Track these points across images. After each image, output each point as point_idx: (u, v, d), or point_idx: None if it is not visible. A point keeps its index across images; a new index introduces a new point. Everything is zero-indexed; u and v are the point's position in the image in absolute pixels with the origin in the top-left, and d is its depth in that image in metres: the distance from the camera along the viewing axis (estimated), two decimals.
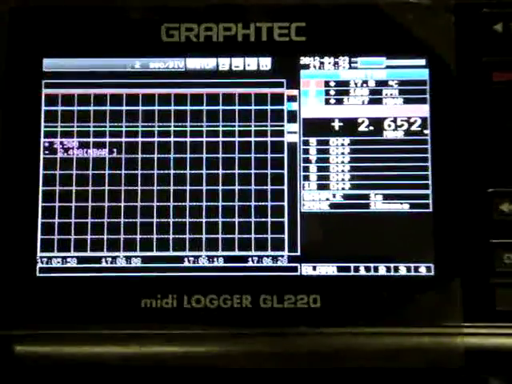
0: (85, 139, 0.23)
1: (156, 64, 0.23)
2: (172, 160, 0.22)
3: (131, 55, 0.23)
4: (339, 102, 0.23)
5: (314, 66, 0.23)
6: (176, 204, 0.22)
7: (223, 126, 0.22)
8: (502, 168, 0.22)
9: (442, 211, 0.22)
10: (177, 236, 0.22)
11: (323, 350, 0.21)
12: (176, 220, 0.22)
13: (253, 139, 0.22)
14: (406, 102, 0.22)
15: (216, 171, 0.22)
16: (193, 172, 0.22)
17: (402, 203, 0.22)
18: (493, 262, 0.21)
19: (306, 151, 0.22)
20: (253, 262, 0.22)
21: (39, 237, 0.22)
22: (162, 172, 0.22)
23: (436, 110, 0.22)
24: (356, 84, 0.23)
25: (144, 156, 0.22)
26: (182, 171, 0.22)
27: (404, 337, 0.21)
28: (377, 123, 0.22)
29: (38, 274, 0.22)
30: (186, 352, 0.22)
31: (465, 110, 0.22)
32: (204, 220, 0.22)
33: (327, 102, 0.23)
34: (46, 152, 0.22)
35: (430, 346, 0.21)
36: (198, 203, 0.22)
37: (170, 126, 0.22)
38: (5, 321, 0.22)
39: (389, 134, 0.22)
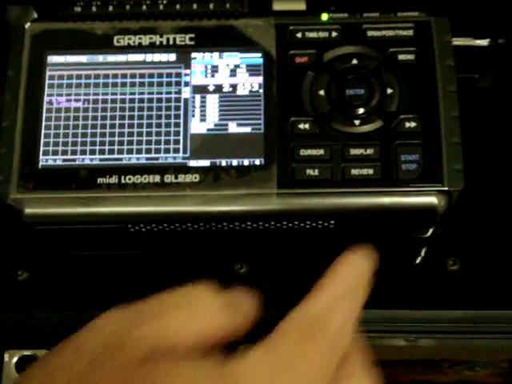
0: (69, 97, 0.39)
1: (111, 58, 0.40)
2: (118, 108, 0.39)
3: (97, 53, 0.40)
4: (212, 75, 0.39)
5: (199, 58, 0.40)
6: (119, 130, 0.38)
7: (147, 89, 0.39)
8: (298, 105, 0.38)
9: (268, 131, 0.38)
10: (119, 147, 0.38)
11: (203, 207, 0.37)
12: (119, 139, 0.38)
13: (164, 96, 0.39)
14: (251, 75, 0.39)
15: (142, 112, 0.39)
16: (129, 113, 0.39)
17: (246, 127, 0.38)
18: (293, 155, 0.38)
19: (193, 102, 0.39)
20: (162, 159, 0.38)
21: (41, 148, 0.38)
22: (112, 113, 0.39)
23: (266, 79, 0.39)
24: (222, 66, 0.40)
25: (102, 106, 0.39)
26: (123, 113, 0.39)
27: (244, 198, 0.37)
28: (234, 86, 0.39)
29: (39, 167, 0.38)
30: (120, 211, 0.37)
31: (280, 78, 0.39)
32: (135, 138, 0.38)
33: (206, 75, 0.39)
34: (47, 104, 0.39)
35: (259, 202, 0.37)
36: (131, 129, 0.38)
37: (117, 90, 0.39)
38: (18, 189, 0.38)
39: (240, 92, 0.39)
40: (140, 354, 0.24)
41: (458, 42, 0.43)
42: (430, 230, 0.39)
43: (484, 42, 0.44)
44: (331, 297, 0.27)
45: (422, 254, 0.40)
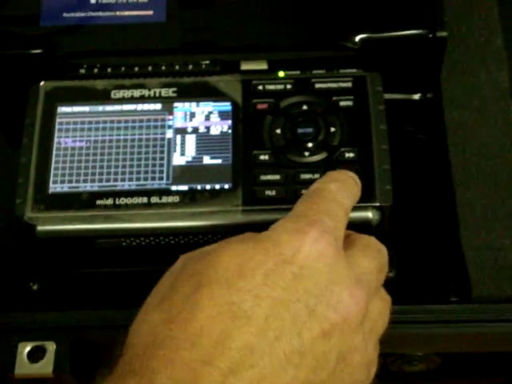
0: (74, 139, 0.48)
1: (109, 108, 0.49)
2: (114, 146, 0.48)
3: (98, 104, 0.49)
4: (191, 120, 0.48)
5: (180, 106, 0.49)
6: (115, 163, 0.47)
7: (138, 131, 0.48)
8: (259, 141, 0.47)
9: (235, 162, 0.47)
10: (114, 176, 0.47)
11: (182, 222, 0.46)
12: (114, 169, 0.47)
13: (151, 136, 0.48)
14: (221, 119, 0.48)
15: (133, 149, 0.48)
16: (123, 150, 0.48)
17: (218, 159, 0.47)
18: (255, 179, 0.46)
19: (175, 140, 0.48)
20: (149, 185, 0.46)
21: (51, 178, 0.47)
22: (109, 150, 0.48)
23: (233, 122, 0.48)
24: (199, 113, 0.49)
25: (101, 145, 0.48)
26: (118, 150, 0.48)
27: (215, 214, 0.45)
28: (208, 128, 0.48)
29: (49, 193, 0.47)
30: (115, 227, 0.46)
31: (245, 121, 0.48)
32: (127, 169, 0.47)
33: (185, 120, 0.49)
34: (56, 144, 0.48)
35: (228, 217, 0.45)
36: (124, 162, 0.47)
37: (113, 132, 0.48)
38: (32, 210, 0.46)
39: (213, 132, 0.48)
40: None
41: (392, 96, 0.52)
42: None
43: (415, 96, 0.54)
44: (325, 180, 0.40)
45: None
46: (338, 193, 0.38)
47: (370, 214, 0.45)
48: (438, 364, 0.48)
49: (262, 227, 0.45)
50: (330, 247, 0.35)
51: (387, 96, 0.50)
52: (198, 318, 0.32)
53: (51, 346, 0.44)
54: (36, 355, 0.44)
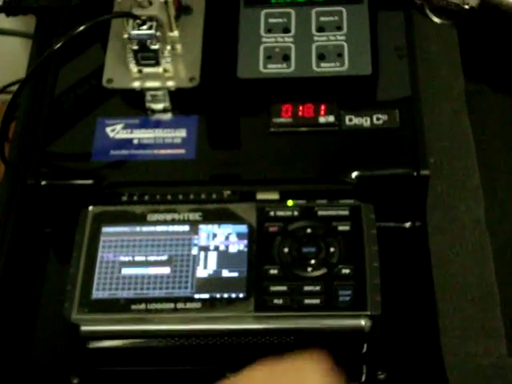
0: (115, 253, 0.58)
1: (145, 228, 0.58)
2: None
3: (136, 225, 0.59)
4: (213, 239, 0.58)
5: (204, 228, 0.58)
6: (148, 275, 0.56)
7: (169, 248, 0.58)
8: (270, 258, 0.56)
9: (249, 275, 0.56)
10: (147, 285, 0.56)
11: (204, 325, 0.54)
12: (148, 280, 0.56)
13: (180, 252, 0.57)
14: (239, 239, 0.57)
15: (164, 263, 0.57)
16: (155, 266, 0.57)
17: (235, 272, 0.56)
18: (266, 290, 0.55)
19: (199, 256, 0.57)
20: (176, 293, 0.55)
21: (94, 286, 0.56)
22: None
23: (249, 242, 0.57)
24: (220, 234, 0.58)
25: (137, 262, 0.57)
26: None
27: (232, 318, 0.54)
28: (227, 246, 0.57)
29: (92, 299, 0.55)
30: (146, 328, 0.54)
31: (259, 241, 0.57)
32: (158, 280, 0.56)
33: (208, 239, 0.58)
34: (100, 258, 0.57)
35: (242, 321, 0.53)
36: (155, 274, 0.56)
37: (147, 250, 0.58)
38: (78, 313, 0.55)
39: (231, 250, 0.57)
40: None
41: (386, 224, 0.61)
42: (365, 346, 0.55)
43: (406, 224, 0.63)
44: None
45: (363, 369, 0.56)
46: None
47: (362, 322, 0.53)
48: None
49: (271, 332, 0.54)
50: None
51: (383, 224, 0.59)
52: None
53: None
54: None
